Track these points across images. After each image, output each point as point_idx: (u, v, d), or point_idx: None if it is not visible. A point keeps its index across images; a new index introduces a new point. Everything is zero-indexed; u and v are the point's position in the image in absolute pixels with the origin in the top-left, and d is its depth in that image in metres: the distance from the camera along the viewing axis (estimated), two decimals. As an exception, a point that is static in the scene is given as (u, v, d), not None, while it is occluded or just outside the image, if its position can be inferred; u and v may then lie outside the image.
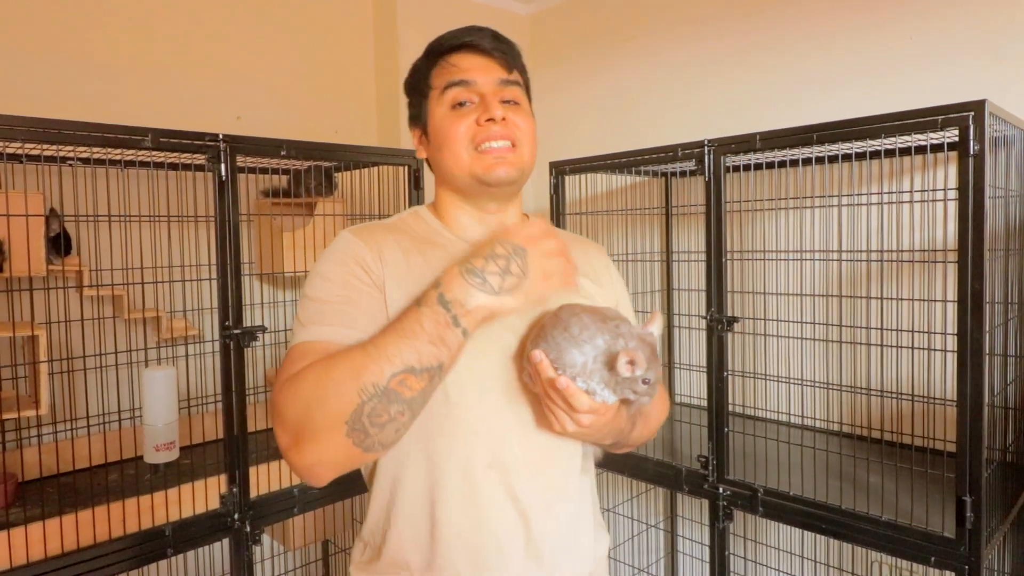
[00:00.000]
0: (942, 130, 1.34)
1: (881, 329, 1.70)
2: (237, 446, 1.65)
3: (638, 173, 2.29)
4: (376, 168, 2.07)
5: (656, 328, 0.88)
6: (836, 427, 2.02)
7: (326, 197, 2.08)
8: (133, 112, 2.02)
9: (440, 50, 1.01)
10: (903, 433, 1.80)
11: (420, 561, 0.93)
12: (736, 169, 1.89)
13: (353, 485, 1.80)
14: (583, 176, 2.12)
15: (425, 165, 2.03)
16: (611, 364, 0.83)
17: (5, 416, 1.55)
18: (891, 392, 1.74)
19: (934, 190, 1.64)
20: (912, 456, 1.60)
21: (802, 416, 1.98)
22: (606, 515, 2.47)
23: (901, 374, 1.70)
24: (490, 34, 1.00)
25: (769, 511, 1.64)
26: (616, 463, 1.96)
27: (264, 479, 1.73)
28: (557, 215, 2.12)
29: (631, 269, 2.33)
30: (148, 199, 1.78)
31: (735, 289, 2.03)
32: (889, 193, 1.69)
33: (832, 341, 1.97)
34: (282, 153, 1.73)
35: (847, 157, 1.77)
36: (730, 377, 1.74)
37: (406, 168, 2.04)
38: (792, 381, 1.92)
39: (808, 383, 1.95)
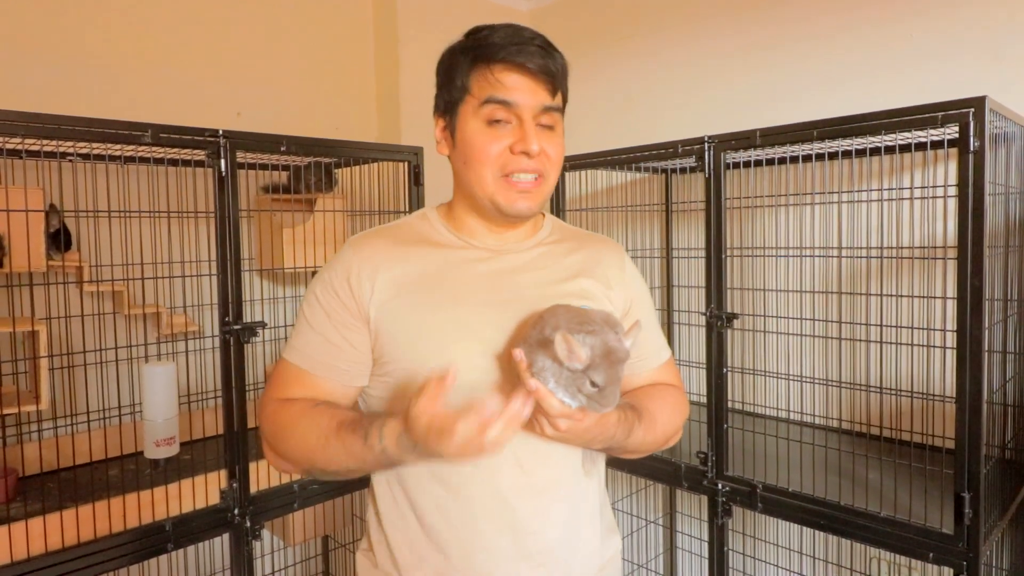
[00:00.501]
0: (942, 127, 1.34)
1: (880, 325, 1.70)
2: (237, 441, 1.65)
3: (638, 169, 2.29)
4: (376, 164, 2.07)
5: (630, 340, 0.87)
6: (835, 423, 2.02)
7: (326, 193, 2.08)
8: (133, 108, 2.02)
9: (487, 56, 0.94)
10: (902, 429, 1.80)
11: (410, 560, 0.95)
12: (736, 166, 1.89)
13: (353, 481, 1.81)
14: (584, 172, 2.12)
15: (425, 160, 2.05)
16: (551, 349, 0.82)
17: (5, 411, 1.55)
18: (890, 388, 1.74)
19: (934, 187, 1.64)
20: (911, 452, 1.60)
21: (801, 412, 1.98)
22: (605, 511, 2.47)
23: (900, 370, 1.70)
24: (539, 50, 0.94)
25: (768, 507, 1.65)
26: (615, 460, 1.96)
27: (264, 474, 1.73)
28: (558, 211, 2.12)
29: (631, 266, 2.32)
30: (148, 195, 1.78)
31: (735, 285, 2.03)
32: (889, 189, 1.69)
33: (831, 337, 1.97)
34: (282, 149, 1.73)
35: (847, 154, 1.76)
36: (729, 373, 1.74)
37: (406, 164, 2.04)
38: (791, 377, 1.92)
39: (807, 379, 1.95)
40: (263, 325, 1.67)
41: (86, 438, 1.81)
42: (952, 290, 1.36)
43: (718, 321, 1.70)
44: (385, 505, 0.99)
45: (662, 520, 2.57)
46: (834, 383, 1.96)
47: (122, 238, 1.64)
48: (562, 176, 2.10)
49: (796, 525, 1.85)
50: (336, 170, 2.12)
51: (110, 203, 1.58)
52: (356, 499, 2.32)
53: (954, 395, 1.35)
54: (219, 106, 2.25)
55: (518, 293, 0.98)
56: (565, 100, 1.02)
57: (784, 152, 1.79)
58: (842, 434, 1.97)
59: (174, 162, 1.70)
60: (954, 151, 1.36)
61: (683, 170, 2.33)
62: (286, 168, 2.08)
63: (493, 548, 0.93)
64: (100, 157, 1.66)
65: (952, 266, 1.36)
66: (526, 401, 0.81)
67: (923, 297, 1.62)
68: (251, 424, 1.70)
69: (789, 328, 1.93)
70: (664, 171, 2.39)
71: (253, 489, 1.69)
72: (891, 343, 1.64)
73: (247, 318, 1.67)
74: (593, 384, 0.82)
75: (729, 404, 1.75)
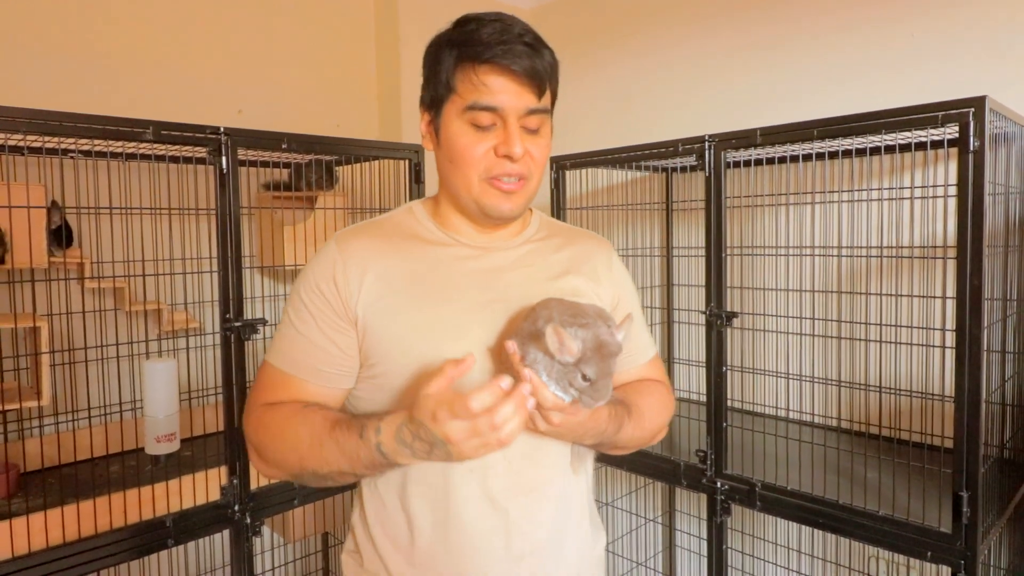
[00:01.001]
0: (942, 126, 1.34)
1: (880, 325, 1.71)
2: (237, 438, 1.65)
3: (639, 168, 2.29)
4: (377, 162, 2.07)
5: (622, 334, 0.86)
6: (834, 422, 2.02)
7: (327, 191, 2.08)
8: (134, 105, 2.02)
9: (472, 55, 0.91)
10: (901, 429, 1.81)
11: (400, 563, 0.94)
12: (736, 165, 1.89)
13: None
14: (584, 171, 2.13)
15: (426, 158, 2.06)
16: (542, 342, 0.81)
17: (7, 407, 1.55)
18: (889, 388, 1.75)
19: (934, 186, 1.64)
20: (910, 451, 1.61)
21: (800, 411, 1.98)
22: (605, 509, 2.48)
23: (899, 370, 1.71)
24: (527, 49, 0.91)
25: (767, 506, 1.65)
26: (615, 458, 1.97)
27: (264, 471, 1.73)
28: (557, 210, 2.12)
29: (631, 264, 2.33)
30: (149, 192, 1.78)
31: (735, 285, 2.03)
32: (889, 189, 1.69)
33: (831, 337, 1.97)
34: (283, 146, 1.73)
35: (847, 153, 1.76)
36: (729, 372, 1.75)
37: (407, 162, 2.04)
38: (791, 376, 1.93)
39: (807, 378, 1.95)
40: (264, 322, 1.67)
41: (87, 434, 1.82)
42: (951, 290, 1.36)
43: (718, 320, 1.71)
44: (373, 506, 0.98)
45: (661, 518, 2.58)
46: (833, 382, 1.97)
47: (123, 235, 1.64)
48: (562, 175, 2.11)
49: (795, 524, 1.85)
50: (337, 168, 2.12)
51: (111, 200, 1.59)
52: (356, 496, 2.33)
53: (953, 394, 1.35)
54: (220, 103, 2.25)
55: (507, 291, 0.97)
56: (554, 98, 1.00)
57: (784, 151, 1.79)
58: (841, 433, 1.97)
59: (175, 159, 1.70)
60: (954, 151, 1.36)
61: (683, 169, 2.34)
62: (287, 166, 2.08)
63: (485, 549, 0.92)
64: (102, 154, 1.66)
65: (952, 266, 1.36)
66: (531, 390, 0.80)
67: (922, 296, 1.63)
68: (251, 421, 1.71)
69: (789, 327, 1.93)
70: (665, 170, 2.40)
71: (253, 486, 1.70)
72: (890, 342, 1.64)
73: (248, 315, 1.67)
74: (585, 378, 0.82)
75: (728, 403, 1.76)
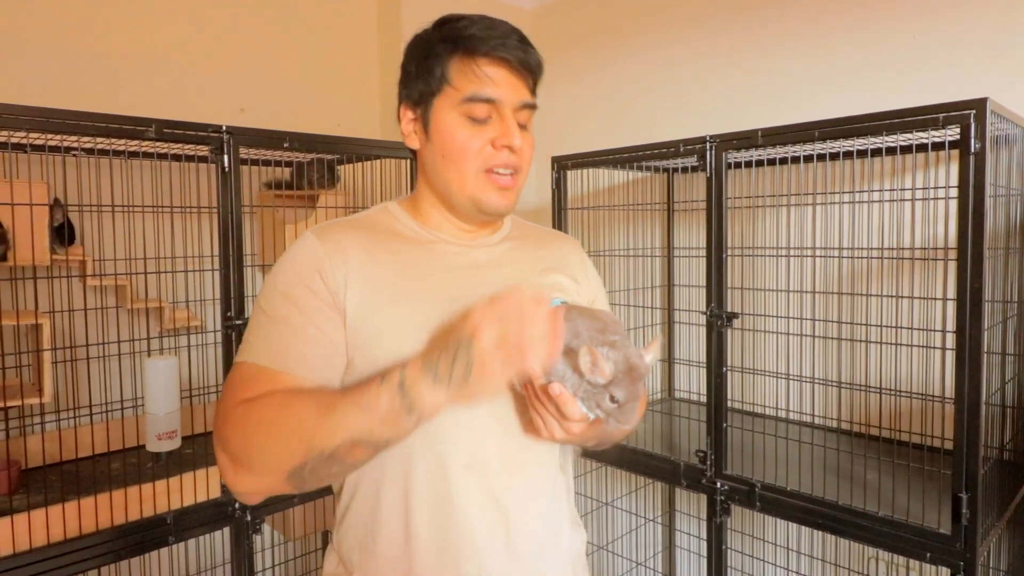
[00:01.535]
0: (943, 128, 1.34)
1: (880, 326, 1.71)
2: (238, 436, 1.65)
3: (640, 169, 2.29)
4: (379, 161, 2.08)
5: (651, 356, 0.84)
6: (834, 423, 2.02)
7: (328, 190, 2.09)
8: (137, 103, 2.03)
9: (469, 48, 0.91)
10: (901, 430, 1.81)
11: (398, 570, 0.91)
12: (738, 165, 1.89)
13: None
14: (585, 171, 2.13)
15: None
16: (573, 359, 0.80)
17: (9, 404, 1.56)
18: (890, 389, 1.75)
19: (935, 188, 1.64)
20: (909, 453, 1.61)
21: (801, 412, 1.98)
22: (604, 509, 2.48)
23: (900, 371, 1.71)
24: (517, 43, 0.92)
25: (767, 506, 1.65)
26: (614, 458, 1.97)
27: (265, 469, 1.74)
28: (559, 210, 2.12)
29: (632, 264, 2.33)
30: (151, 190, 1.79)
31: (735, 285, 2.03)
32: (890, 191, 1.69)
33: (831, 338, 1.97)
34: (285, 145, 1.74)
35: (848, 154, 1.77)
36: (729, 373, 1.75)
37: (408, 161, 2.04)
38: (791, 377, 1.93)
39: (807, 379, 1.95)
40: (265, 320, 1.67)
41: (88, 431, 1.82)
42: (952, 291, 1.36)
43: (718, 320, 1.71)
44: (363, 520, 0.94)
45: (661, 518, 2.58)
46: (834, 383, 1.97)
47: (125, 233, 1.65)
48: (564, 174, 2.11)
49: (794, 524, 1.85)
50: (338, 167, 2.13)
51: (113, 198, 1.59)
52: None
53: (953, 396, 1.35)
54: (222, 102, 2.26)
55: (496, 287, 0.93)
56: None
57: (785, 152, 1.79)
58: (841, 434, 1.97)
59: (177, 157, 1.71)
60: (955, 152, 1.36)
61: (684, 169, 2.34)
62: (289, 164, 2.09)
63: (485, 548, 0.91)
64: (104, 152, 1.66)
65: (952, 267, 1.36)
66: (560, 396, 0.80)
67: (923, 298, 1.63)
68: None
69: (789, 328, 1.93)
70: (666, 170, 2.40)
71: (254, 483, 1.70)
72: (891, 344, 1.64)
73: (249, 313, 1.67)
74: (613, 399, 0.80)
75: (729, 403, 1.76)
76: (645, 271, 2.35)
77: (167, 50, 2.15)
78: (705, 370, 1.75)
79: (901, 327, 1.60)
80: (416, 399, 0.75)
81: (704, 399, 1.78)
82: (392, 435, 0.78)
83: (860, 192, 1.87)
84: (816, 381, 1.98)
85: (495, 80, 0.91)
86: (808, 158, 1.89)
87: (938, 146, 1.54)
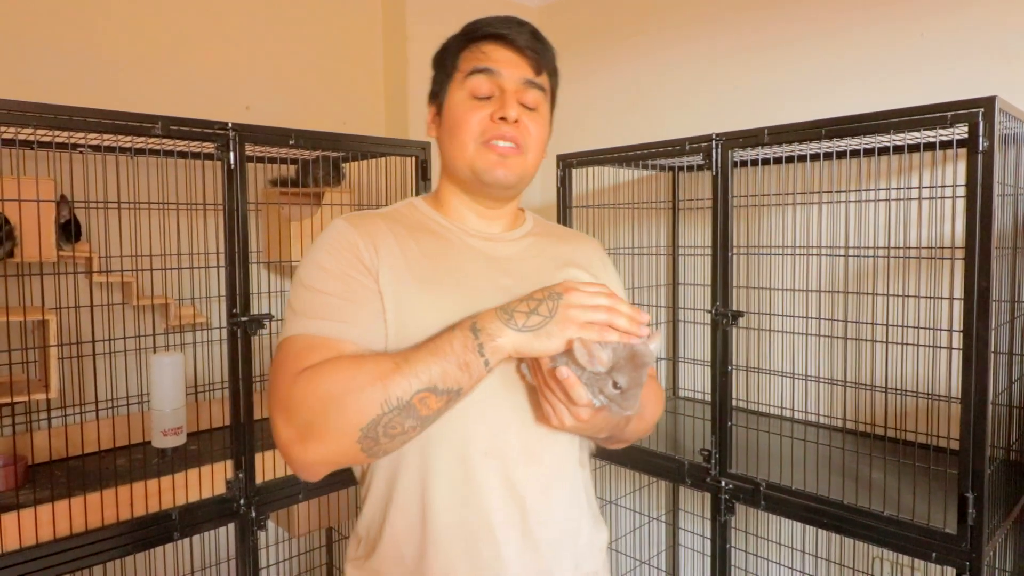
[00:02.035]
0: (951, 126, 1.33)
1: (887, 325, 1.70)
2: (243, 432, 1.66)
3: (645, 167, 2.29)
4: (384, 159, 2.08)
5: (655, 344, 0.87)
6: (840, 423, 2.02)
7: (334, 187, 2.09)
8: (143, 100, 2.03)
9: (475, 35, 0.99)
10: (907, 430, 1.80)
11: (415, 552, 0.92)
12: (744, 164, 1.89)
13: (353, 477, 1.82)
14: (590, 169, 2.12)
15: (433, 155, 2.06)
16: (571, 354, 0.83)
17: (15, 400, 1.56)
18: (896, 388, 1.74)
19: (942, 187, 1.63)
20: (915, 452, 1.60)
21: (806, 411, 1.98)
22: (608, 507, 2.48)
23: (906, 371, 1.70)
24: (529, 31, 0.99)
25: (771, 505, 1.65)
26: (619, 456, 1.97)
27: (270, 465, 1.74)
28: (564, 208, 2.12)
29: (637, 263, 2.33)
30: (157, 186, 1.79)
31: (740, 284, 2.03)
32: (897, 189, 1.68)
33: (837, 337, 1.96)
34: (291, 143, 1.74)
35: (855, 153, 1.76)
36: (734, 372, 1.74)
37: (414, 159, 2.04)
38: (796, 376, 1.92)
39: (812, 378, 1.94)
40: (270, 317, 1.68)
41: (94, 427, 1.82)
42: (959, 291, 1.35)
43: (723, 319, 1.70)
44: (383, 502, 0.95)
45: (665, 517, 2.58)
46: (839, 382, 1.96)
47: (131, 229, 1.65)
48: (569, 173, 2.11)
49: (799, 523, 1.85)
50: (344, 164, 2.13)
51: (120, 194, 1.60)
52: (360, 492, 2.33)
53: (959, 396, 1.34)
54: (228, 99, 2.26)
55: (520, 279, 0.98)
56: (554, 88, 1.05)
57: (792, 151, 1.78)
58: (846, 433, 1.97)
59: (183, 154, 1.71)
60: (963, 151, 1.35)
61: (690, 168, 2.33)
62: (294, 162, 2.09)
63: (502, 538, 0.92)
64: (111, 149, 1.67)
65: (959, 267, 1.36)
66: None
67: (930, 297, 1.62)
68: (257, 415, 1.71)
69: (794, 327, 1.93)
70: (671, 169, 2.39)
71: (259, 480, 1.71)
72: (897, 343, 1.64)
73: (254, 310, 1.68)
74: (616, 386, 0.83)
75: (733, 402, 1.75)
76: (650, 269, 2.34)
77: (174, 48, 2.16)
78: (710, 369, 1.75)
79: (908, 326, 1.60)
80: (486, 340, 0.82)
81: (709, 398, 1.78)
82: (464, 381, 0.83)
83: (867, 191, 1.86)
84: (822, 380, 1.97)
85: (493, 56, 0.97)
86: (814, 157, 1.88)
87: (945, 145, 1.53)
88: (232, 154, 1.61)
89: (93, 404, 1.76)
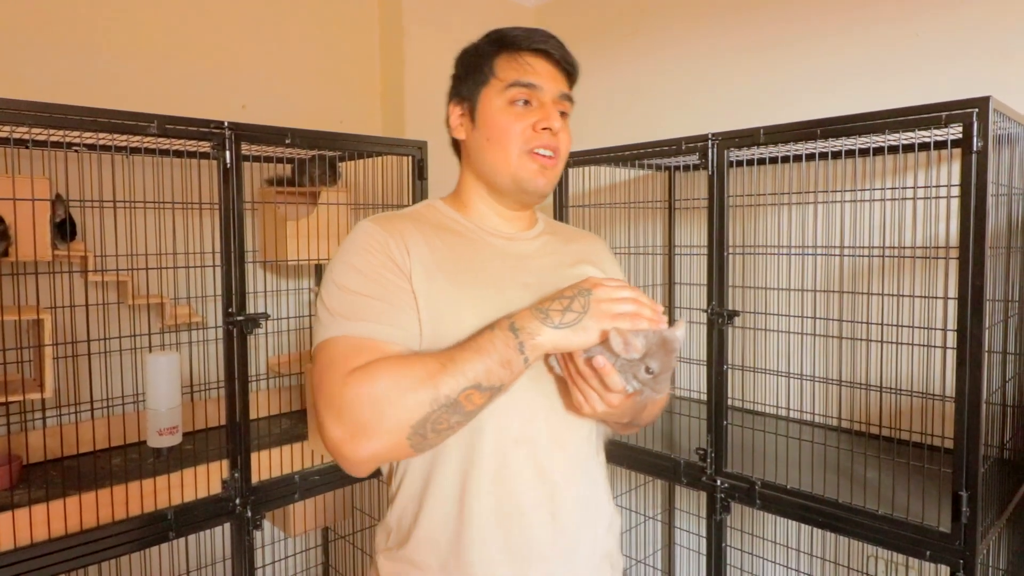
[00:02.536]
0: (946, 127, 1.34)
1: (881, 325, 1.71)
2: (239, 432, 1.66)
3: (642, 167, 2.29)
4: (380, 158, 2.08)
5: (681, 332, 0.90)
6: (835, 422, 2.03)
7: (330, 186, 2.09)
8: (139, 99, 2.02)
9: (514, 44, 1.03)
10: (901, 428, 1.81)
11: (450, 537, 0.95)
12: (740, 164, 1.89)
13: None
14: (587, 168, 2.13)
15: (429, 154, 2.06)
16: (606, 343, 0.87)
17: (10, 399, 1.56)
18: (890, 387, 1.75)
19: (937, 187, 1.64)
20: (910, 451, 1.61)
21: (801, 410, 1.99)
22: (604, 506, 2.49)
23: (900, 370, 1.71)
24: (560, 44, 1.04)
25: (766, 504, 1.65)
26: (615, 455, 1.97)
27: (265, 465, 1.74)
28: (560, 207, 2.12)
29: (633, 262, 2.33)
30: (153, 186, 1.79)
31: (736, 284, 2.03)
32: (892, 189, 1.69)
33: (832, 336, 1.97)
34: (287, 142, 1.74)
35: (850, 153, 1.77)
36: (730, 371, 1.75)
37: (410, 158, 2.04)
38: (792, 376, 1.93)
39: (808, 377, 1.95)
40: (266, 317, 1.68)
41: (90, 426, 1.82)
42: (953, 290, 1.36)
43: (719, 318, 1.71)
44: (430, 489, 0.97)
45: (661, 516, 2.58)
46: (834, 381, 1.97)
47: (127, 228, 1.65)
48: (565, 172, 2.11)
49: (794, 522, 1.86)
50: (340, 163, 2.13)
51: (115, 193, 1.59)
52: (356, 491, 2.34)
53: (953, 395, 1.35)
54: (224, 98, 2.26)
55: (541, 276, 1.02)
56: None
57: (787, 150, 1.79)
58: (841, 432, 1.98)
59: (179, 153, 1.71)
60: (957, 151, 1.36)
61: (686, 167, 2.34)
62: (290, 161, 2.09)
63: (533, 521, 0.95)
64: (106, 148, 1.66)
65: (954, 266, 1.36)
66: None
67: (924, 297, 1.63)
68: (253, 415, 1.71)
69: (790, 326, 1.93)
70: (667, 168, 2.40)
71: (254, 479, 1.71)
72: (891, 342, 1.64)
73: (250, 310, 1.67)
74: (648, 370, 0.87)
75: (729, 401, 1.76)
76: (646, 269, 2.35)
77: (169, 46, 2.15)
78: (706, 368, 1.76)
79: (902, 326, 1.60)
80: (526, 339, 0.86)
81: (704, 397, 1.78)
82: (505, 378, 0.87)
83: (862, 191, 1.87)
84: (816, 379, 1.98)
85: (536, 69, 1.02)
86: (810, 156, 1.89)
87: (940, 145, 1.54)
88: (228, 153, 1.61)
89: (88, 404, 1.76)
